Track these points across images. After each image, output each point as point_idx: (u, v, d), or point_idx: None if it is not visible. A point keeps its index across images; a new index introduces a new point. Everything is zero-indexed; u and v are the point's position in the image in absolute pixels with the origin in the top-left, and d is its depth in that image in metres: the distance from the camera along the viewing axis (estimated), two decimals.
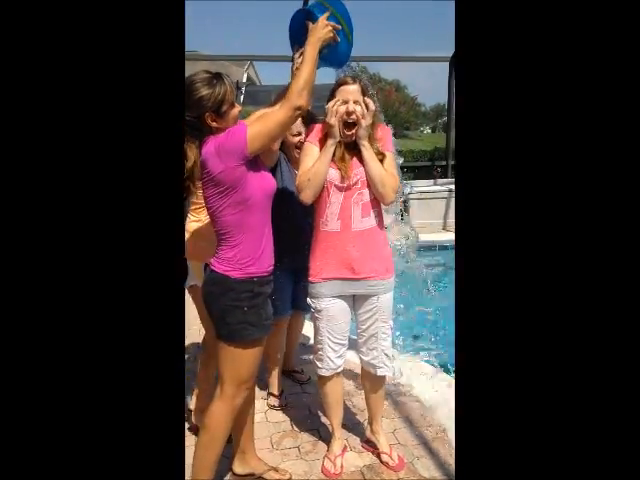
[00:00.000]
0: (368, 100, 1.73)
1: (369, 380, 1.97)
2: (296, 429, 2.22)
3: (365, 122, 1.71)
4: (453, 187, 6.30)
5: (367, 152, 1.73)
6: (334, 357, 1.89)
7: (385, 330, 1.87)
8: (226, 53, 13.91)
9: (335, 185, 1.75)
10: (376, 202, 1.78)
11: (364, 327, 1.88)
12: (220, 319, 1.54)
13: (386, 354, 1.89)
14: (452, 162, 6.83)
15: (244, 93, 13.97)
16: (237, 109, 1.52)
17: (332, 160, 1.76)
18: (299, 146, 2.23)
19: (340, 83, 1.78)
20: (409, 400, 2.41)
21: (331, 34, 1.63)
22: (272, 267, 1.63)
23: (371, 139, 1.76)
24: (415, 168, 8.50)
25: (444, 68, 6.56)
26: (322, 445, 2.08)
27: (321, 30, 1.59)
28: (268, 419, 2.31)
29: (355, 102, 1.73)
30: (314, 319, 1.90)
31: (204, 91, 1.46)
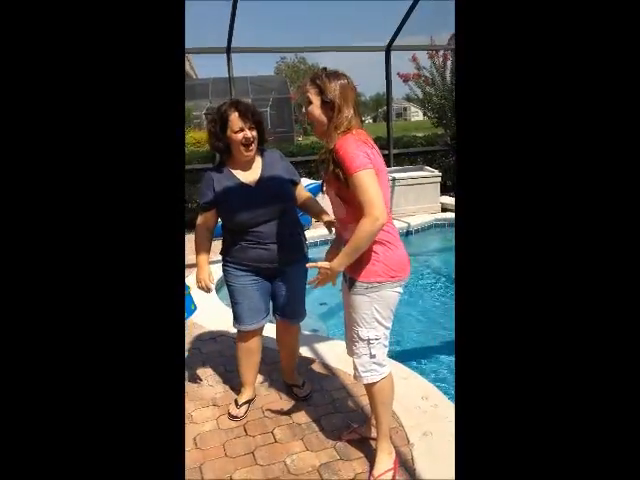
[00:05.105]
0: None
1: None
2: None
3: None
4: (396, 175, 6.23)
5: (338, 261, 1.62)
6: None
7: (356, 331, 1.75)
8: None
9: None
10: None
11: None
12: None
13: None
14: (393, 151, 6.92)
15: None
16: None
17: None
18: (245, 143, 2.01)
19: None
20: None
21: None
22: None
23: (329, 168, 1.59)
24: None
25: (381, 57, 6.48)
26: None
27: None
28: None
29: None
30: None
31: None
